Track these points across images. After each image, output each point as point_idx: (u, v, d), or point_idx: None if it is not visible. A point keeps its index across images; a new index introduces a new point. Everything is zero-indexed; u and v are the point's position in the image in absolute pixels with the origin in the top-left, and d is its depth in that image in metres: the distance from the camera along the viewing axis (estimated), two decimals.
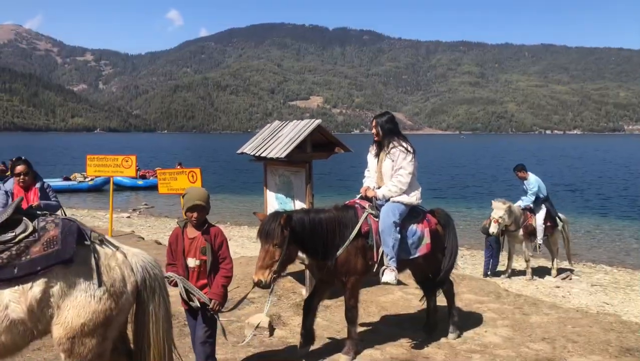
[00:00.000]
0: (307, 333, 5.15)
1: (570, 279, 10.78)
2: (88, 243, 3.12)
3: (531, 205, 10.46)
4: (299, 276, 7.58)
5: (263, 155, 6.95)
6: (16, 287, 2.89)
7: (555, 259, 11.00)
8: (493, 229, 9.99)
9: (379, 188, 5.42)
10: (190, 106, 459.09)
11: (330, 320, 6.32)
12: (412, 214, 5.40)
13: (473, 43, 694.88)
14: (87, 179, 27.03)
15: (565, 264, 11.49)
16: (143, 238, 12.53)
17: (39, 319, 2.95)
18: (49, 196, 6.58)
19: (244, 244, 13.68)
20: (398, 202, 5.26)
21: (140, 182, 28.06)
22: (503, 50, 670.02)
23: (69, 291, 2.98)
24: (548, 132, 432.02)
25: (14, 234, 3.01)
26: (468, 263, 12.19)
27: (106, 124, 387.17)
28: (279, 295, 7.03)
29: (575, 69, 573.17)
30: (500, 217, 9.90)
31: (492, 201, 10.25)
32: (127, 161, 11.86)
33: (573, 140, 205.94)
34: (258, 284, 4.46)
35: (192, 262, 4.14)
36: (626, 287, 10.22)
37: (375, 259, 5.11)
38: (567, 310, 7.26)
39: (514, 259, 11.19)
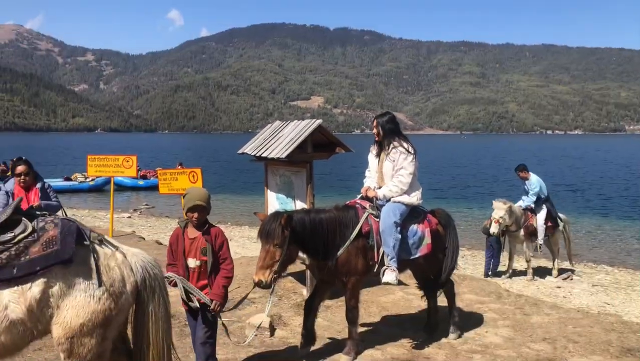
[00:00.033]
0: (308, 333, 5.15)
1: (571, 279, 10.77)
2: (87, 243, 3.11)
3: (532, 205, 10.46)
4: (299, 277, 7.57)
5: (264, 155, 6.95)
6: (15, 287, 2.89)
7: (556, 260, 10.99)
8: (494, 229, 9.98)
9: (379, 188, 5.42)
10: (191, 106, 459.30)
11: (331, 320, 6.32)
12: (412, 214, 5.40)
13: (474, 43, 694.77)
14: (88, 180, 27.03)
15: (566, 265, 11.48)
16: (144, 238, 12.53)
17: (38, 319, 2.95)
18: (50, 196, 6.58)
19: (244, 245, 13.68)
20: (399, 202, 5.25)
21: (141, 182, 28.07)
22: (504, 50, 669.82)
23: (68, 291, 2.98)
24: (549, 132, 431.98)
25: (13, 234, 3.00)
26: (469, 263, 12.18)
27: (107, 124, 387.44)
28: (279, 295, 7.02)
29: (576, 69, 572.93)
30: (501, 217, 9.89)
31: (493, 201, 10.24)
32: (128, 161, 11.86)
33: (574, 140, 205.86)
34: (258, 284, 4.46)
35: (192, 262, 4.14)
36: (627, 287, 10.21)
37: (375, 260, 5.10)
38: (568, 310, 7.25)
39: (515, 260, 11.18)
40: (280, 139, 6.90)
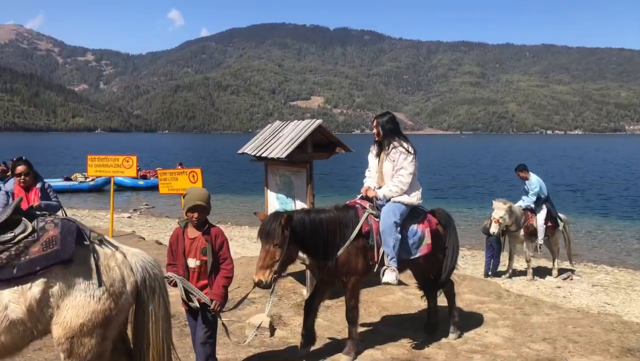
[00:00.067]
0: (308, 333, 5.15)
1: (571, 279, 10.77)
2: (87, 243, 3.11)
3: (532, 205, 10.46)
4: (299, 277, 7.58)
5: (264, 155, 6.95)
6: (15, 287, 2.89)
7: (556, 260, 10.99)
8: (494, 229, 9.98)
9: (379, 188, 5.42)
10: (191, 106, 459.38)
11: (331, 320, 6.32)
12: (412, 214, 5.40)
13: (474, 43, 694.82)
14: (88, 180, 27.02)
15: (566, 265, 11.48)
16: (144, 238, 12.52)
17: (38, 319, 2.95)
18: (50, 196, 6.58)
19: (244, 245, 13.67)
20: (399, 202, 5.25)
21: (141, 182, 28.06)
22: (504, 50, 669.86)
23: (68, 291, 2.98)
24: (549, 132, 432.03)
25: (13, 234, 3.00)
26: (469, 263, 12.18)
27: (107, 124, 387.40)
28: (279, 295, 7.02)
29: (576, 69, 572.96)
30: (500, 217, 9.89)
31: (493, 201, 10.24)
32: (128, 161, 11.86)
33: (574, 140, 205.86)
34: (258, 284, 4.46)
35: (192, 262, 4.14)
36: (627, 287, 10.21)
37: (375, 260, 5.11)
38: (568, 310, 7.25)
39: (515, 260, 11.17)
40: (280, 139, 6.90)
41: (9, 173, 10.72)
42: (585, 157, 71.62)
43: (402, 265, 5.21)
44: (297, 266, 6.96)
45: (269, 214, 4.97)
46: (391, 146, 5.37)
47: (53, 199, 6.58)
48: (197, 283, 4.14)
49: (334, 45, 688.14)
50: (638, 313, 8.26)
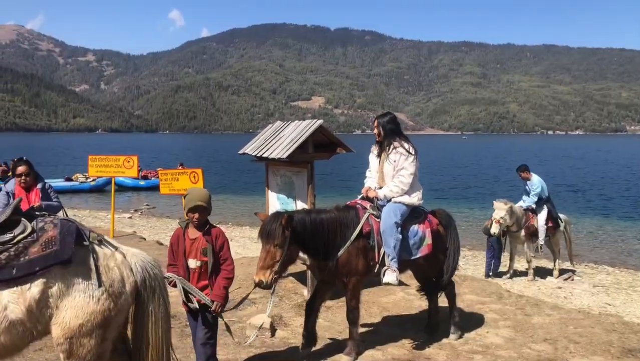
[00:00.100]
0: (309, 334, 5.14)
1: (572, 280, 10.75)
2: (87, 243, 3.10)
3: (533, 206, 10.45)
4: (300, 277, 7.58)
5: (265, 155, 6.95)
6: (15, 288, 2.88)
7: (557, 260, 10.97)
8: (494, 229, 9.97)
9: (380, 188, 5.41)
10: (192, 107, 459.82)
11: (332, 320, 6.32)
12: (413, 214, 5.39)
13: (475, 43, 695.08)
14: (88, 180, 27.04)
15: (567, 265, 11.46)
16: (144, 239, 12.52)
17: (38, 319, 2.94)
18: (51, 196, 6.57)
19: (245, 245, 13.67)
20: (399, 202, 5.25)
21: (142, 182, 28.07)
22: (505, 50, 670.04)
23: (68, 291, 2.97)
24: (550, 132, 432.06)
25: (12, 235, 3.00)
26: (470, 264, 12.18)
27: (108, 125, 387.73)
28: (280, 296, 7.02)
29: (577, 69, 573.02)
30: (501, 217, 9.88)
31: (494, 202, 10.23)
32: (128, 162, 11.86)
33: (575, 140, 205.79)
34: (259, 284, 4.46)
35: (193, 263, 4.14)
36: (628, 288, 10.19)
37: (376, 260, 5.10)
38: (569, 311, 7.24)
39: (516, 260, 11.16)
40: (281, 139, 6.90)
41: (10, 173, 10.71)
42: (586, 158, 71.58)
43: (402, 266, 5.20)
44: (297, 267, 6.96)
45: (269, 214, 4.96)
46: (392, 146, 5.37)
47: (54, 200, 6.57)
48: (198, 283, 4.13)
49: (335, 46, 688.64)
50: (639, 314, 8.24)
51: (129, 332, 3.48)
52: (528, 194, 10.55)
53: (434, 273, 5.76)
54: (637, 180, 37.95)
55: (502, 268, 11.12)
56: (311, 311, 5.16)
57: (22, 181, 6.36)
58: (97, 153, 13.23)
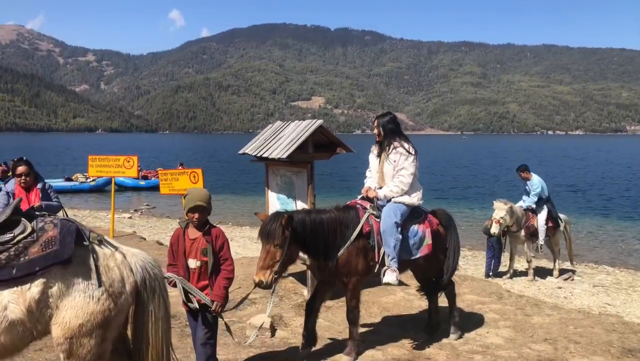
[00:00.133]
0: (309, 334, 5.13)
1: (572, 280, 10.75)
2: (87, 243, 3.10)
3: (533, 206, 10.45)
4: (300, 277, 7.58)
5: (265, 155, 6.95)
6: (15, 288, 2.88)
7: (557, 260, 10.98)
8: (494, 229, 9.96)
9: (380, 188, 5.41)
10: (192, 107, 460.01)
11: (332, 320, 6.32)
12: (413, 214, 5.39)
13: (475, 43, 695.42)
14: (88, 180, 27.03)
15: (567, 265, 11.46)
16: (145, 239, 12.52)
17: (37, 319, 2.94)
18: (51, 196, 6.56)
19: (245, 245, 13.67)
20: (399, 202, 5.25)
21: (142, 182, 28.05)
22: (505, 50, 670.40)
23: (67, 291, 2.97)
24: (550, 132, 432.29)
25: (12, 235, 2.99)
26: (470, 264, 12.18)
27: (108, 125, 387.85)
28: (280, 296, 7.02)
29: (577, 69, 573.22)
30: (501, 217, 9.88)
31: (494, 202, 10.23)
32: (128, 162, 11.86)
33: (575, 140, 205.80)
34: (259, 284, 4.46)
35: (192, 263, 4.14)
36: (628, 288, 10.19)
37: (376, 260, 5.10)
38: (569, 311, 7.24)
39: (516, 260, 11.16)
40: (281, 139, 6.90)
41: (10, 174, 10.70)
42: (586, 158, 71.58)
43: (402, 266, 5.20)
44: (297, 267, 6.96)
45: (269, 214, 4.96)
46: (392, 146, 5.37)
47: (54, 200, 6.56)
48: (198, 283, 4.13)
49: (335, 46, 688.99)
50: (639, 314, 8.24)
51: (129, 332, 3.48)
52: (528, 194, 10.55)
53: (434, 273, 5.76)
54: (637, 180, 37.94)
55: (502, 268, 11.12)
56: (311, 311, 5.16)
57: (22, 181, 6.35)
58: (97, 153, 13.23)
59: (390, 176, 5.34)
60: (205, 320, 4.14)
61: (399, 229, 5.11)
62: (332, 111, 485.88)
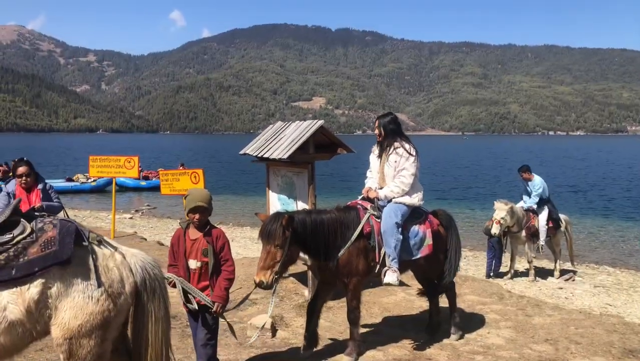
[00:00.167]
0: (311, 336, 5.13)
1: (573, 280, 10.75)
2: (86, 243, 3.10)
3: (534, 206, 10.45)
4: (301, 277, 7.58)
5: (265, 156, 6.95)
6: (14, 288, 2.88)
7: (558, 261, 10.97)
8: (495, 230, 9.96)
9: (381, 188, 5.41)
10: (193, 107, 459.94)
11: (333, 321, 6.31)
12: (414, 215, 5.39)
13: (476, 44, 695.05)
14: (89, 180, 27.04)
15: (568, 266, 11.45)
16: (145, 239, 12.52)
17: (37, 320, 2.94)
18: (51, 197, 6.56)
19: (246, 245, 13.67)
20: (400, 203, 5.24)
21: (143, 183, 28.05)
22: (506, 51, 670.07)
23: (67, 292, 2.97)
24: (551, 133, 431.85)
25: (11, 235, 2.99)
26: (471, 264, 12.17)
27: (109, 125, 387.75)
28: (281, 296, 7.02)
29: (578, 70, 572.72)
30: (502, 218, 9.88)
31: (495, 202, 10.22)
32: (129, 162, 11.86)
33: (576, 141, 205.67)
34: (259, 285, 4.45)
35: (193, 263, 4.13)
36: (629, 288, 10.18)
37: (377, 260, 5.10)
38: (570, 311, 7.24)
39: (517, 261, 11.16)
40: (282, 139, 6.90)
41: (11, 174, 10.70)
42: (587, 158, 71.52)
43: (403, 266, 5.20)
44: (298, 267, 6.97)
45: (270, 215, 4.96)
46: (393, 146, 5.37)
47: (54, 200, 6.56)
48: (198, 284, 4.13)
49: (336, 46, 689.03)
50: None
51: (129, 332, 3.48)
52: (528, 194, 10.55)
53: (435, 273, 5.76)
54: (638, 181, 37.90)
55: (503, 269, 11.12)
56: (313, 312, 5.15)
57: (23, 181, 6.35)
58: (98, 153, 13.24)
59: (391, 176, 5.34)
60: (206, 321, 4.14)
61: (400, 229, 5.10)
62: (332, 112, 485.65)
